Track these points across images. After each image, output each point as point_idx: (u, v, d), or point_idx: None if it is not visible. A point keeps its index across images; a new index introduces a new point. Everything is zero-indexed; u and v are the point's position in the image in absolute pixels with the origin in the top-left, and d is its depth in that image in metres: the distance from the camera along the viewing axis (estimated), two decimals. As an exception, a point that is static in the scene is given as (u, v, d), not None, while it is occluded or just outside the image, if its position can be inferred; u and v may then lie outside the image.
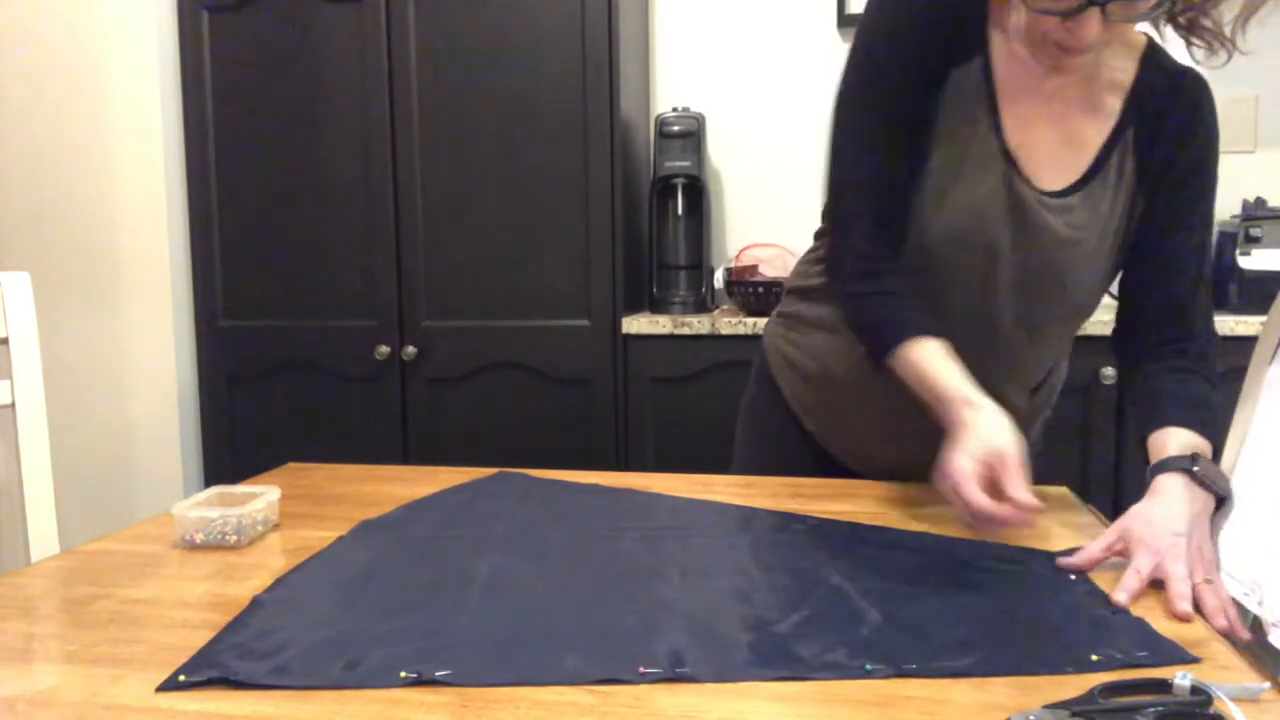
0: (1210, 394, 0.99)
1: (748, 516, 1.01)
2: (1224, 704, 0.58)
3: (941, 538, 0.93)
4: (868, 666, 0.64)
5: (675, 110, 2.37)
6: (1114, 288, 1.10)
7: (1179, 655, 0.66)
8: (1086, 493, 1.13)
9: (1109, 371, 2.01)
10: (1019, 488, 0.84)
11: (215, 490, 1.00)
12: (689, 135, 2.33)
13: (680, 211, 2.39)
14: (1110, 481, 2.04)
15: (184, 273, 2.43)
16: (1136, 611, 0.74)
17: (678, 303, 2.37)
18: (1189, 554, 0.79)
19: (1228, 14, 0.91)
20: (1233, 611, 0.74)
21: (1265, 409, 0.87)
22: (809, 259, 1.21)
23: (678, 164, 2.34)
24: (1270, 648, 0.66)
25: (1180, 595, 0.74)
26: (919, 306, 1.01)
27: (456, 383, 2.31)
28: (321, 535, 0.96)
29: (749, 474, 1.21)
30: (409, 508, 1.05)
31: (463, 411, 2.32)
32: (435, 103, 2.25)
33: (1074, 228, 0.99)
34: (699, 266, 2.41)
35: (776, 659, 0.66)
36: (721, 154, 2.62)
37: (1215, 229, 2.23)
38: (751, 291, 2.22)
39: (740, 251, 2.40)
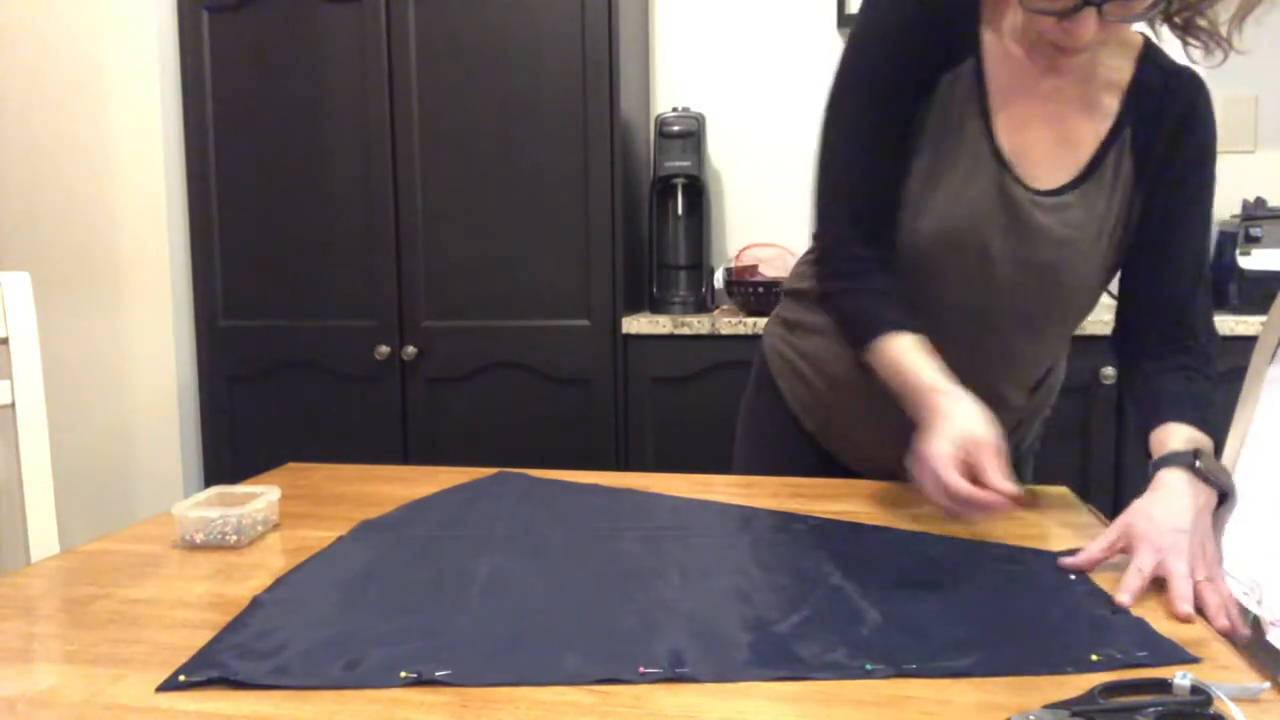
0: (1211, 391, 0.99)
1: (748, 516, 1.01)
2: (1224, 704, 0.58)
3: (941, 538, 0.93)
4: (868, 666, 0.64)
5: (675, 110, 2.37)
6: (1113, 287, 1.10)
7: (1179, 655, 0.66)
8: (1086, 493, 1.13)
9: (1109, 371, 2.01)
10: (998, 474, 0.85)
11: (215, 490, 1.00)
12: (689, 135, 2.33)
13: (680, 211, 2.39)
14: (1110, 481, 2.04)
15: (184, 273, 2.43)
16: (1137, 611, 0.74)
17: (678, 303, 2.37)
18: (1191, 551, 0.79)
19: (1223, 14, 0.91)
20: (1234, 610, 0.74)
21: (1265, 409, 0.87)
22: (806, 261, 1.21)
23: (678, 164, 2.34)
24: (1270, 647, 0.66)
25: (1181, 596, 0.74)
26: (900, 302, 1.01)
27: (456, 383, 2.31)
28: (321, 535, 0.96)
29: (749, 474, 1.21)
30: (409, 508, 1.05)
31: (463, 411, 2.32)
32: (435, 103, 2.25)
33: (1069, 227, 0.99)
34: (699, 266, 2.41)
35: (776, 659, 0.66)
36: (721, 154, 2.62)
37: (1215, 229, 2.23)
38: (751, 291, 2.22)
39: (740, 251, 2.40)
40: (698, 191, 2.38)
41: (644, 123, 2.53)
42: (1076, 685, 0.61)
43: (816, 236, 1.10)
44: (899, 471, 1.12)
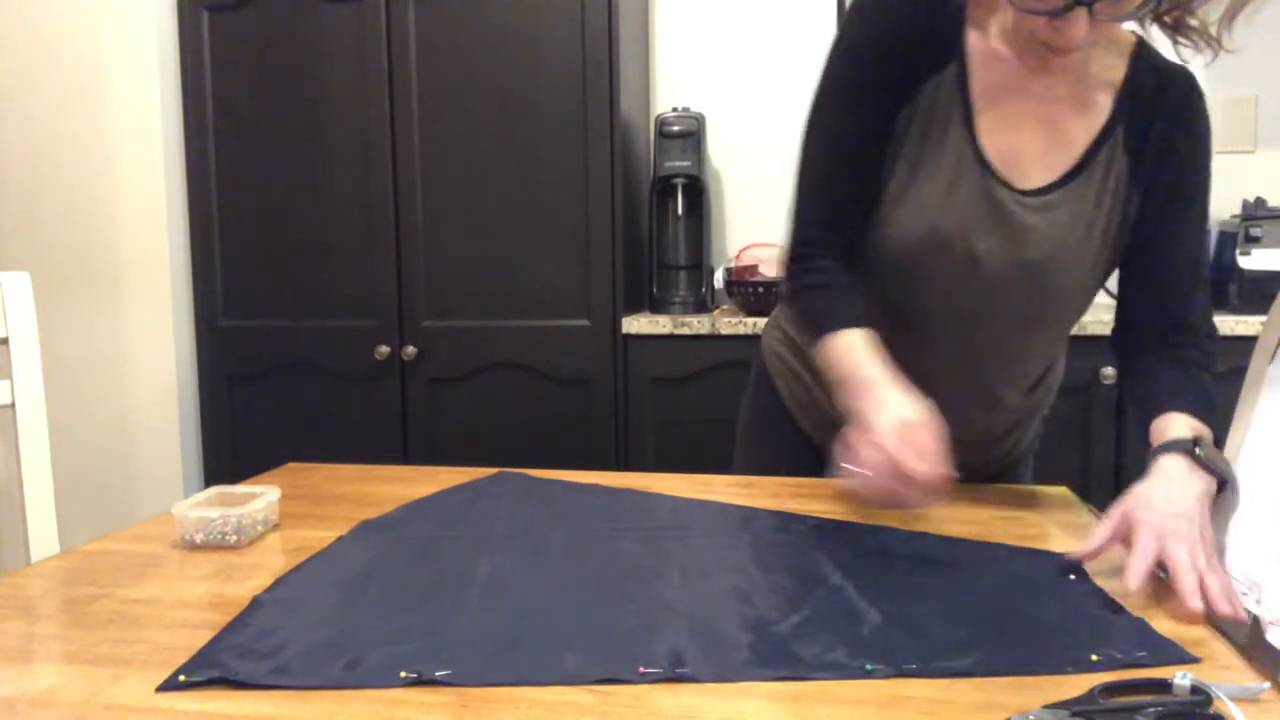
0: (1211, 386, 0.99)
1: (748, 516, 1.01)
2: (1224, 704, 0.58)
3: (942, 538, 0.93)
4: (868, 666, 0.64)
5: (675, 110, 2.37)
6: (1113, 286, 1.10)
7: (1179, 655, 0.66)
8: (1086, 493, 1.13)
9: (1109, 371, 2.01)
10: (937, 456, 0.85)
11: (215, 490, 1.00)
12: (689, 135, 2.33)
13: (680, 211, 2.39)
14: (1110, 481, 2.04)
15: (184, 273, 2.44)
16: (1137, 612, 0.74)
17: (678, 303, 2.37)
18: (1192, 537, 0.78)
19: (1213, 13, 0.91)
20: (1236, 598, 0.74)
21: (1265, 408, 0.87)
22: None
23: (678, 164, 2.34)
24: (1269, 647, 0.66)
25: (1190, 591, 0.73)
26: (855, 302, 1.03)
27: (456, 383, 2.31)
28: (321, 535, 0.96)
29: (749, 475, 1.21)
30: (409, 508, 1.05)
31: (463, 411, 2.32)
32: (435, 103, 2.25)
33: (1057, 226, 0.99)
34: (699, 266, 2.41)
35: (776, 659, 0.66)
36: (721, 154, 2.62)
37: (1215, 229, 2.23)
38: (751, 291, 2.22)
39: (740, 251, 2.40)
40: (698, 191, 2.38)
41: (644, 123, 2.53)
42: (1076, 685, 0.61)
43: (787, 236, 1.11)
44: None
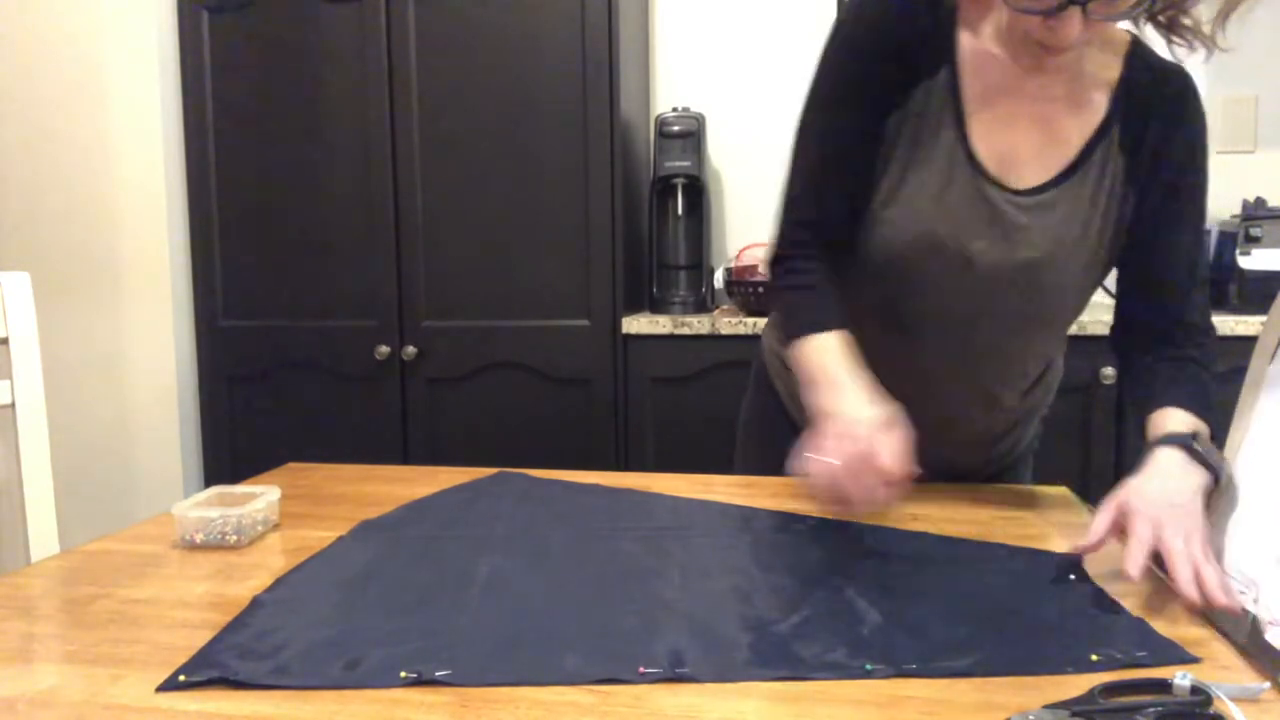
0: (1210, 383, 1.00)
1: (748, 516, 1.01)
2: (1224, 704, 0.58)
3: (941, 538, 0.94)
4: (868, 666, 0.64)
5: (675, 110, 2.37)
6: (1112, 285, 1.10)
7: (1179, 655, 0.66)
8: (1086, 493, 1.13)
9: (1109, 371, 2.01)
10: (902, 457, 0.85)
11: (215, 490, 1.00)
12: (689, 135, 2.33)
13: (680, 211, 2.39)
14: (1110, 481, 2.01)
15: (184, 273, 2.43)
16: (1136, 612, 0.74)
17: (678, 303, 2.37)
18: (1187, 526, 0.79)
19: (1207, 12, 0.91)
20: (1232, 589, 0.74)
21: (1265, 408, 0.87)
22: None
23: (678, 164, 2.34)
24: (1269, 646, 0.66)
25: (1185, 579, 0.74)
26: (833, 306, 1.03)
27: (456, 383, 2.31)
28: (321, 535, 0.96)
29: (749, 475, 1.21)
30: (409, 508, 1.05)
31: (463, 411, 2.32)
32: (435, 103, 2.25)
33: (1051, 226, 0.99)
34: (699, 266, 2.41)
35: (776, 659, 0.66)
36: (721, 154, 2.62)
37: (1215, 229, 2.23)
38: (751, 291, 2.22)
39: (740, 251, 2.40)
40: (698, 191, 2.38)
41: (644, 123, 2.53)
42: (1076, 685, 0.61)
43: (773, 235, 1.11)
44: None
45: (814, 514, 1.01)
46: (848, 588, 0.79)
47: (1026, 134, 0.99)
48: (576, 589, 0.79)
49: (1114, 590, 0.78)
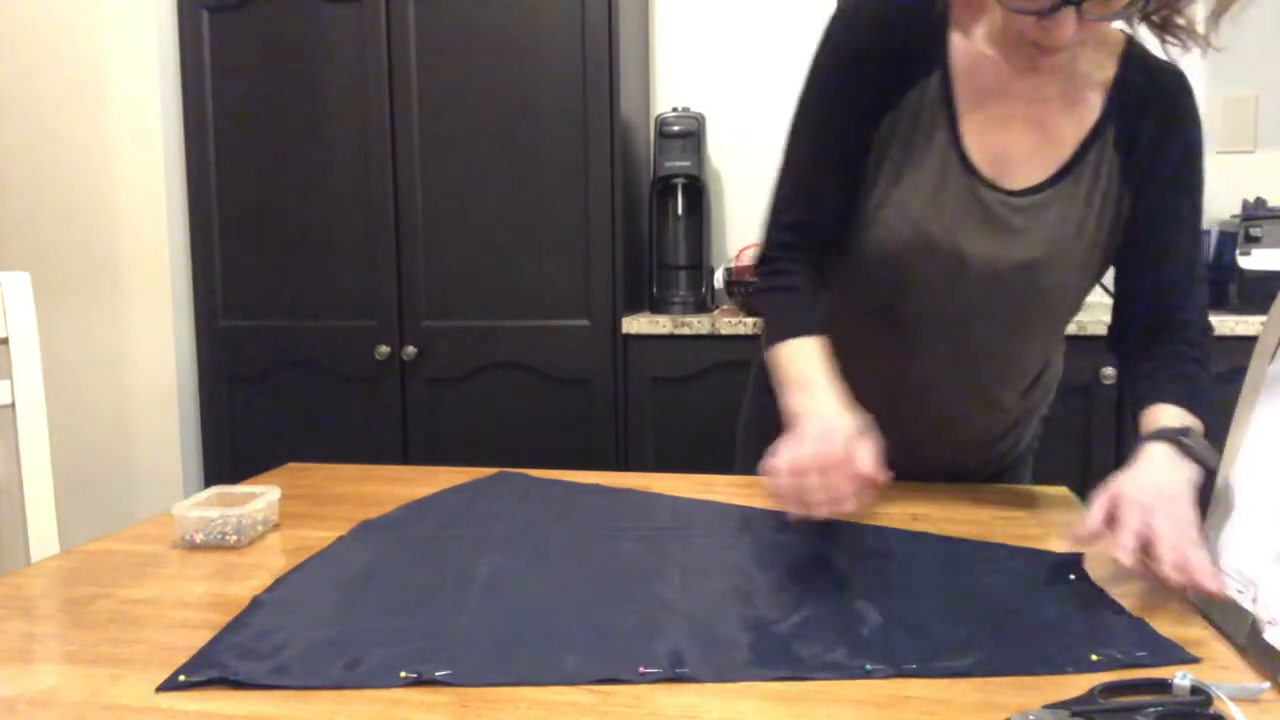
0: (1203, 378, 1.00)
1: (748, 516, 1.01)
2: (1224, 704, 0.58)
3: (942, 538, 0.94)
4: (868, 666, 0.64)
5: (675, 110, 2.37)
6: (1111, 285, 1.10)
7: (1179, 655, 0.66)
8: (1086, 493, 1.13)
9: (1109, 371, 2.01)
10: (871, 461, 0.85)
11: (215, 490, 1.00)
12: (689, 135, 2.33)
13: (680, 211, 2.39)
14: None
15: (184, 273, 2.44)
16: (1136, 611, 0.74)
17: (678, 303, 2.37)
18: (1177, 514, 0.79)
19: (1202, 12, 0.91)
20: (1219, 576, 0.75)
21: (1265, 408, 0.87)
22: None
23: (678, 164, 2.34)
24: (1268, 646, 0.66)
25: (1174, 564, 0.75)
26: (815, 311, 1.04)
27: (456, 383, 2.31)
28: (321, 535, 0.96)
29: (750, 475, 1.21)
30: (409, 508, 1.05)
31: (463, 411, 2.32)
32: (435, 103, 2.25)
33: (1046, 226, 0.99)
34: (699, 266, 2.41)
35: (776, 659, 0.66)
36: (721, 154, 2.62)
37: (1215, 229, 2.23)
38: (751, 291, 2.22)
39: (740, 251, 2.40)
40: (698, 191, 2.38)
41: (644, 123, 2.53)
42: (1076, 685, 0.61)
43: (761, 236, 1.11)
44: (896, 471, 1.13)
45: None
46: (848, 588, 0.79)
47: (1020, 135, 0.99)
48: (576, 589, 0.79)
49: (1114, 590, 0.78)
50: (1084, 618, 0.73)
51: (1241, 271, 2.12)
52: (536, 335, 2.26)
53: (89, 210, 2.40)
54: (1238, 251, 2.13)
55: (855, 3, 1.01)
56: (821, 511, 0.84)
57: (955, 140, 0.98)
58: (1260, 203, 2.21)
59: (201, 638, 0.70)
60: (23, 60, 2.39)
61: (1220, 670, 0.65)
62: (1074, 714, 0.57)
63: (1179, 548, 0.76)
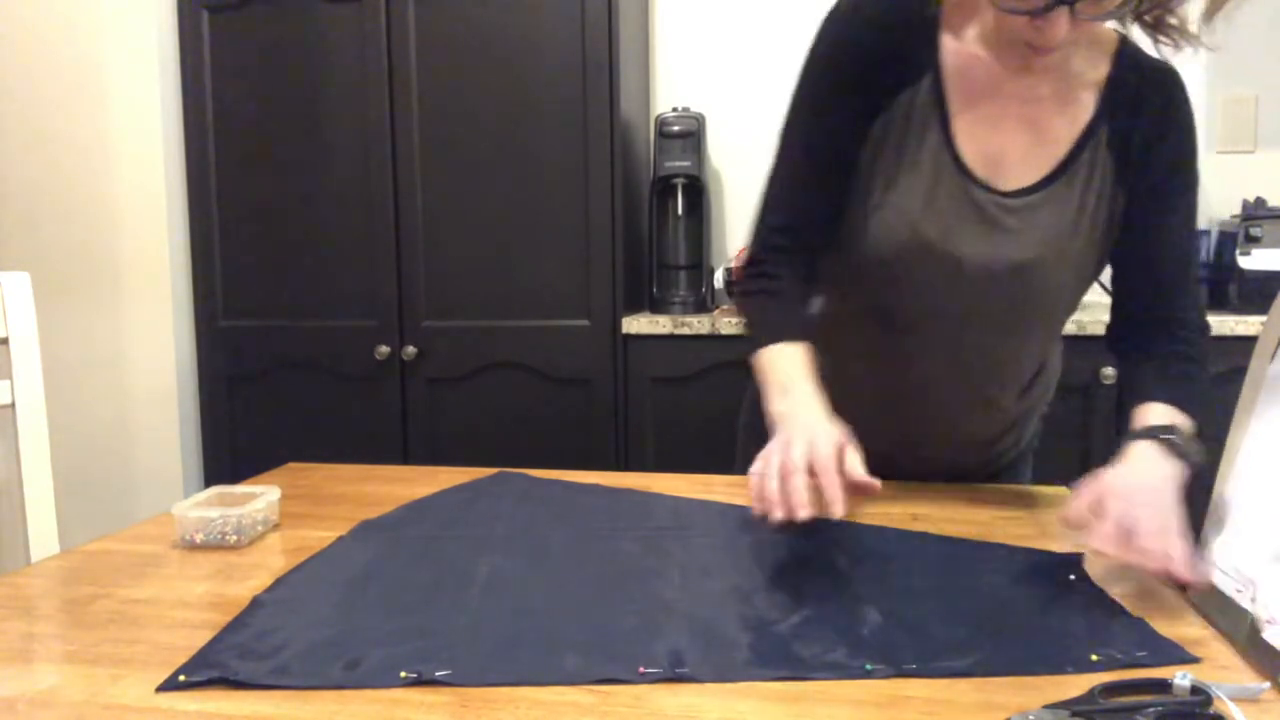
0: (1196, 374, 1.00)
1: (748, 517, 1.01)
2: (1224, 704, 0.58)
3: (942, 538, 0.94)
4: (868, 666, 0.64)
5: (675, 110, 2.37)
6: (1109, 283, 1.10)
7: (1179, 655, 0.66)
8: (1086, 493, 1.13)
9: (1109, 371, 2.01)
10: (851, 468, 0.84)
11: (215, 490, 1.00)
12: (689, 135, 2.33)
13: (680, 211, 2.39)
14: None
15: (184, 273, 2.44)
16: (1136, 612, 0.74)
17: (678, 303, 2.37)
18: (1160, 505, 0.80)
19: (1194, 11, 0.91)
20: (1200, 567, 0.76)
21: (1265, 408, 0.87)
22: None
23: (678, 164, 2.34)
24: (1267, 646, 0.66)
25: (1154, 553, 0.75)
26: (799, 317, 1.04)
27: (456, 383, 2.31)
28: (321, 535, 0.96)
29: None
30: (409, 508, 1.05)
31: (463, 411, 2.32)
32: (435, 103, 2.25)
33: (1040, 227, 0.99)
34: (699, 266, 2.41)
35: (776, 659, 0.66)
36: (721, 154, 2.62)
37: (1215, 229, 2.23)
38: (751, 291, 2.22)
39: (740, 251, 2.40)
40: (698, 191, 2.38)
41: (644, 123, 2.53)
42: (1076, 685, 0.61)
43: (750, 239, 1.11)
44: (892, 471, 1.13)
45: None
46: (848, 588, 0.79)
47: (1014, 135, 0.99)
48: (576, 589, 0.79)
49: (1114, 590, 0.78)
50: (1084, 618, 0.73)
51: (1241, 271, 2.12)
52: (536, 335, 2.26)
53: (89, 210, 2.40)
54: (1238, 251, 2.13)
55: (848, 5, 1.01)
56: (804, 514, 0.80)
57: (948, 142, 0.99)
58: (1260, 203, 2.21)
59: (201, 638, 0.70)
60: (23, 60, 2.39)
61: (1220, 670, 0.65)
62: (1074, 714, 0.57)
63: (1160, 536, 0.77)
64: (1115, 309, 1.09)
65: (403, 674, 0.63)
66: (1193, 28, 0.91)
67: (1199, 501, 0.87)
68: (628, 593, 0.78)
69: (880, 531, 0.95)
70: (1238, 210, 2.22)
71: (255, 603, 0.77)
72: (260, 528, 0.96)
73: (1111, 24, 0.97)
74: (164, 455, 2.44)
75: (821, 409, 0.92)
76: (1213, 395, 1.00)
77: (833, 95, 1.01)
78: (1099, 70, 0.99)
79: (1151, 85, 0.99)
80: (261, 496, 0.97)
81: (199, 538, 0.93)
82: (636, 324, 2.22)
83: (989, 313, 1.03)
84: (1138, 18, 0.93)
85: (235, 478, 1.24)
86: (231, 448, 2.45)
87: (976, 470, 1.17)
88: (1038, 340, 1.10)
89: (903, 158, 0.99)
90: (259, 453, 2.39)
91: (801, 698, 0.61)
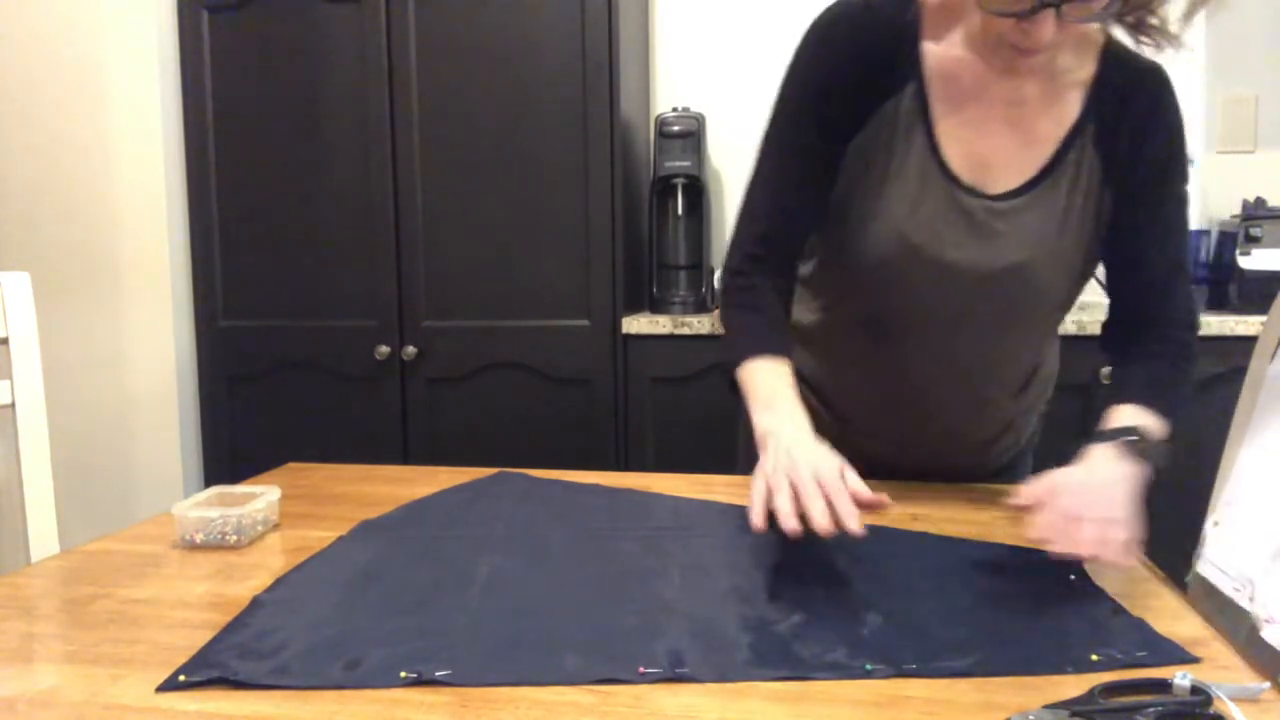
0: (1171, 373, 1.00)
1: (748, 517, 1.01)
2: (1224, 704, 0.58)
3: (942, 538, 0.94)
4: (868, 666, 0.64)
5: (675, 110, 2.37)
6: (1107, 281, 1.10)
7: (1179, 655, 0.66)
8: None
9: (1108, 370, 2.01)
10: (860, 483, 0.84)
11: (215, 490, 1.01)
12: (689, 135, 2.33)
13: (680, 211, 2.39)
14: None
15: (184, 273, 2.43)
16: (1137, 612, 0.74)
17: (678, 303, 2.37)
18: (1110, 499, 0.81)
19: (1174, 12, 0.91)
20: (1134, 554, 0.79)
21: (1265, 408, 0.87)
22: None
23: (678, 164, 2.33)
24: (1267, 645, 0.66)
25: (1093, 540, 0.77)
26: (778, 330, 1.04)
27: (456, 383, 2.31)
28: (321, 535, 0.96)
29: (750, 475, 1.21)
30: (409, 508, 1.05)
31: (463, 411, 2.32)
32: (435, 103, 2.25)
33: (1028, 229, 0.99)
34: (699, 266, 2.41)
35: (776, 659, 0.66)
36: (721, 154, 2.62)
37: (1215, 229, 2.23)
38: (751, 291, 2.22)
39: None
40: (698, 191, 2.38)
41: (644, 123, 2.53)
42: (1076, 685, 0.61)
43: (730, 249, 1.11)
44: (890, 470, 1.13)
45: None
46: (848, 588, 0.79)
47: (999, 137, 0.99)
48: (576, 589, 0.79)
49: (1114, 590, 0.78)
50: (1084, 618, 0.73)
51: (1241, 271, 2.11)
52: (536, 335, 2.26)
53: (89, 210, 2.40)
54: (1238, 251, 2.13)
55: (829, 17, 1.01)
56: (824, 528, 0.78)
57: (933, 148, 0.98)
58: (1260, 203, 2.21)
59: (201, 638, 0.70)
60: (23, 60, 2.39)
61: (1220, 670, 0.65)
62: (1074, 714, 0.57)
63: (1100, 526, 0.78)
64: (1109, 309, 1.09)
65: (403, 674, 0.63)
66: (1173, 28, 0.91)
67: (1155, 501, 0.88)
68: (628, 593, 0.78)
69: (880, 531, 0.95)
70: (1238, 210, 2.21)
71: (255, 603, 0.77)
72: (260, 528, 0.96)
73: (1096, 24, 0.97)
74: (164, 455, 2.44)
75: (806, 425, 0.91)
76: (1190, 396, 1.00)
77: (813, 108, 1.01)
78: (1085, 69, 0.99)
79: (1138, 84, 0.98)
80: (261, 496, 0.97)
81: (199, 538, 0.93)
82: (636, 324, 2.22)
83: (981, 315, 1.03)
84: (1119, 18, 0.93)
85: (235, 478, 1.24)
86: (231, 448, 2.45)
87: (976, 470, 1.17)
88: (1032, 340, 1.10)
89: (889, 166, 0.99)
90: (259, 453, 2.38)
91: (801, 698, 0.61)
